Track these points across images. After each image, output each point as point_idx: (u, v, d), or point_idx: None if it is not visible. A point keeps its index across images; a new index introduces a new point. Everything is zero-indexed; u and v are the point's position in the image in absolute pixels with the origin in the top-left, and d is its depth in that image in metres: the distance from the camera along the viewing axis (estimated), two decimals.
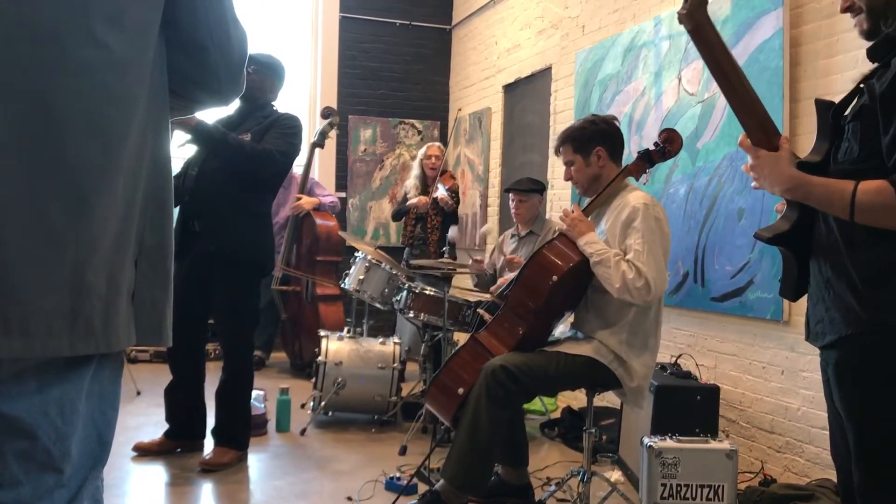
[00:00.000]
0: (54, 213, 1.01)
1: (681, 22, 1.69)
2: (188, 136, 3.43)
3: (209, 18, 1.22)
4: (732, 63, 1.74)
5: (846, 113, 1.69)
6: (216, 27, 1.23)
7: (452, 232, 5.05)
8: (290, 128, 3.68)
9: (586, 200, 3.07)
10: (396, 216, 5.67)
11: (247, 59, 1.31)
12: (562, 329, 3.17)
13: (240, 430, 3.68)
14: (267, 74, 3.71)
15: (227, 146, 3.46)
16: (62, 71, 1.02)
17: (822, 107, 1.77)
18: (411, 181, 5.57)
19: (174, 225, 1.26)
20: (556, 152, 3.11)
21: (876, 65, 1.67)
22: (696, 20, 1.67)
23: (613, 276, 2.73)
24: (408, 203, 5.44)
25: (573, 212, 2.90)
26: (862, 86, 1.65)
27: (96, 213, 1.05)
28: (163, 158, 1.20)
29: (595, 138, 2.99)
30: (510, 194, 4.41)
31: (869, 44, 1.69)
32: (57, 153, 1.02)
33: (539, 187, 4.43)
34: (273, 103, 3.78)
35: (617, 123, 3.09)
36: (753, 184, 1.81)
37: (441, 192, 5.17)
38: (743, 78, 1.76)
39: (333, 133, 5.79)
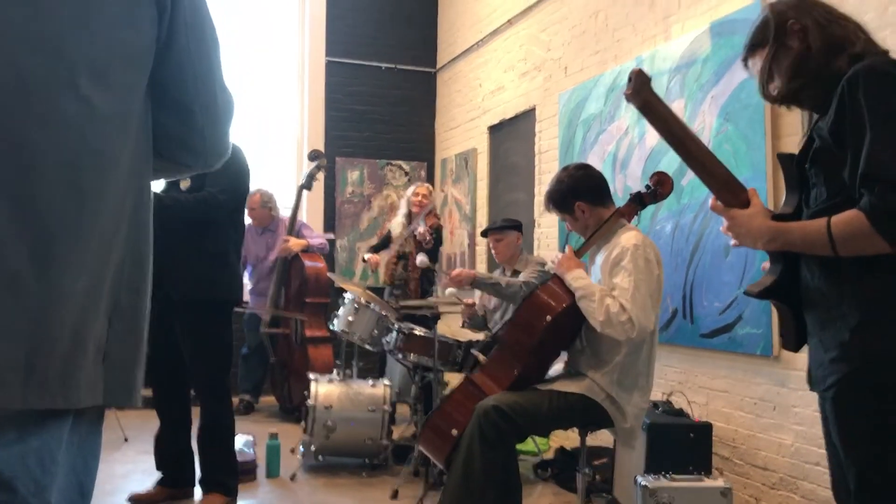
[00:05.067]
0: (19, 260, 1.00)
1: (629, 101, 1.76)
2: None
3: (197, 81, 1.23)
4: (686, 131, 1.81)
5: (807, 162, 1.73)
6: (203, 90, 1.24)
7: (421, 258, 4.93)
8: (230, 162, 3.63)
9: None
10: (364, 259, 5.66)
11: (231, 125, 1.32)
12: (557, 368, 3.17)
13: (226, 474, 3.61)
14: None
15: (165, 208, 3.36)
16: (43, 121, 1.02)
17: (785, 160, 1.81)
18: (398, 219, 5.54)
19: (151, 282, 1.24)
20: (547, 210, 3.17)
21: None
22: (643, 97, 1.75)
23: (597, 310, 2.74)
24: (364, 256, 5.51)
25: (566, 251, 2.95)
26: (813, 132, 1.70)
27: (64, 266, 1.03)
28: (144, 218, 1.20)
29: (570, 195, 3.02)
30: (489, 237, 4.48)
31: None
32: (29, 201, 1.01)
33: (513, 224, 4.47)
34: None
35: (588, 171, 3.11)
36: (733, 242, 1.82)
37: (420, 227, 5.16)
38: (699, 143, 1.82)
39: (321, 175, 5.82)
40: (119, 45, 1.12)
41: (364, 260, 5.53)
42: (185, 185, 3.51)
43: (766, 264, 1.84)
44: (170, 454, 3.68)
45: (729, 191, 1.79)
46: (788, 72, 1.73)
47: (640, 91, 1.75)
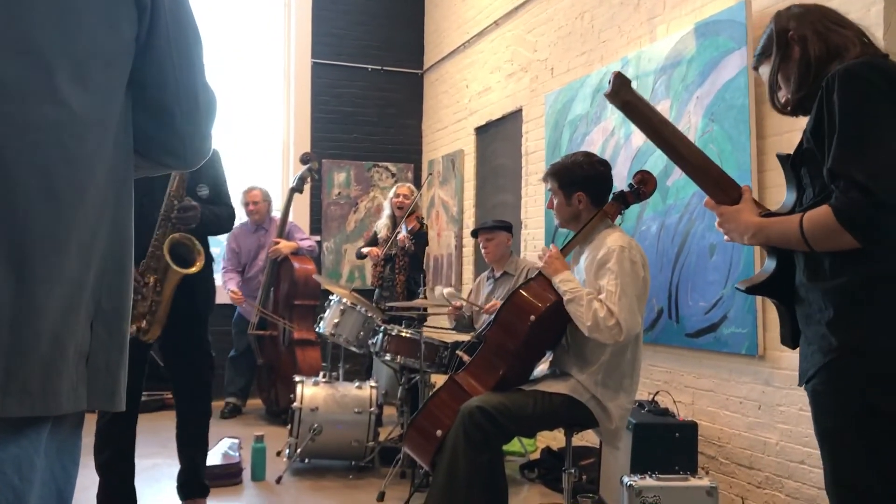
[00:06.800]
0: None
1: (610, 102, 1.78)
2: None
3: (178, 82, 1.21)
4: (671, 130, 1.82)
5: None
6: (184, 91, 1.22)
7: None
8: (223, 171, 3.58)
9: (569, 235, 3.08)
10: (358, 256, 5.70)
11: (213, 125, 1.30)
12: (541, 368, 3.16)
13: (203, 475, 3.54)
14: None
15: (215, 225, 3.43)
16: (21, 128, 1.01)
17: (784, 160, 1.84)
18: (382, 221, 5.60)
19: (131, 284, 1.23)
20: (544, 179, 3.13)
21: None
22: (622, 97, 1.79)
23: (585, 315, 2.73)
24: (362, 250, 5.52)
25: (551, 250, 2.92)
26: (802, 135, 1.74)
27: (42, 274, 1.02)
28: (124, 220, 1.18)
29: (578, 183, 2.98)
30: (479, 237, 4.48)
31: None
32: (6, 210, 1.00)
33: (504, 225, 4.48)
34: None
35: (607, 169, 3.06)
36: (725, 238, 1.86)
37: (403, 232, 5.20)
38: (687, 142, 1.84)
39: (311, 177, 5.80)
40: (97, 46, 1.10)
41: (363, 255, 5.54)
42: (203, 192, 3.43)
43: None
44: (118, 489, 3.33)
45: (720, 188, 1.82)
46: (794, 82, 1.76)
47: (619, 92, 1.79)
